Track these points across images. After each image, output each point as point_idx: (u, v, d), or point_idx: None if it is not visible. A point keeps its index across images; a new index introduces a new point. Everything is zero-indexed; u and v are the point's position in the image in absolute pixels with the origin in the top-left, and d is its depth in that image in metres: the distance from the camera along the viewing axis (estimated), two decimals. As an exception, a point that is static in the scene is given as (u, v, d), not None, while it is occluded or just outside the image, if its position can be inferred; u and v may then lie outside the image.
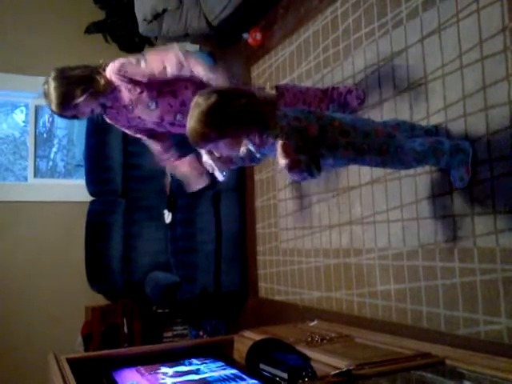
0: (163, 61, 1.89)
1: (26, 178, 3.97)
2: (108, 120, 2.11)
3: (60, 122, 4.27)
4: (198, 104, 1.42)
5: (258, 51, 3.24)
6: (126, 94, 1.95)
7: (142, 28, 3.50)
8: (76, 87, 1.87)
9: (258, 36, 3.21)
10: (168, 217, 3.36)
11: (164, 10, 3.31)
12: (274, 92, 1.52)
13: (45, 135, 4.24)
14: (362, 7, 2.28)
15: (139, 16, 3.45)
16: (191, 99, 1.97)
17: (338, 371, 1.45)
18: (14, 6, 3.80)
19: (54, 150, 4.34)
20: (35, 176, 3.97)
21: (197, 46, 4.13)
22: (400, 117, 2.03)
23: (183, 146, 1.83)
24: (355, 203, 2.32)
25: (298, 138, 1.44)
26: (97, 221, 3.59)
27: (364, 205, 2.27)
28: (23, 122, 4.24)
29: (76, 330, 3.46)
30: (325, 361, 1.59)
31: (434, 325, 1.86)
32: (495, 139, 1.65)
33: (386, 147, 1.57)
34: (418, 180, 1.96)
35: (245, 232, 3.37)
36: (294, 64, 2.83)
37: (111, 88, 1.94)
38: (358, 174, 2.29)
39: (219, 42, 3.75)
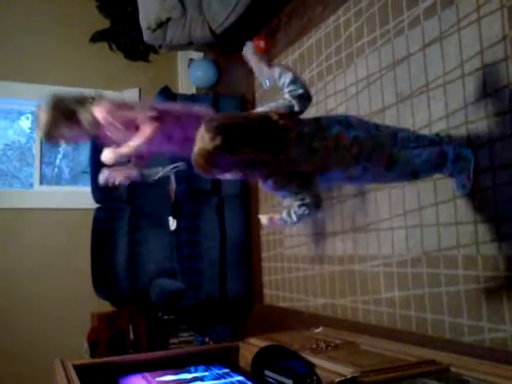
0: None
1: (31, 185, 4.00)
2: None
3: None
4: (203, 139, 1.34)
5: (262, 59, 3.26)
6: (115, 134, 1.92)
7: (147, 36, 3.53)
8: (63, 117, 1.84)
9: (262, 44, 3.23)
10: (173, 224, 3.37)
11: (168, 19, 3.34)
12: (277, 117, 1.40)
13: (50, 142, 4.26)
14: (364, 16, 2.30)
15: (143, 24, 3.49)
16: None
17: (343, 378, 1.45)
18: (19, 15, 3.84)
19: (60, 156, 4.37)
20: (41, 182, 4.00)
21: (201, 54, 4.17)
22: (402, 124, 2.04)
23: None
24: (359, 210, 2.33)
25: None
26: (102, 228, 3.61)
27: (368, 212, 2.28)
28: (29, 128, 4.28)
29: (82, 336, 3.48)
30: (330, 368, 1.60)
31: (439, 332, 1.87)
32: (497, 147, 1.66)
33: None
34: (420, 187, 1.97)
35: (249, 238, 3.38)
36: (298, 71, 2.85)
37: (99, 126, 1.89)
38: (361, 180, 2.30)
39: (223, 49, 3.77)
